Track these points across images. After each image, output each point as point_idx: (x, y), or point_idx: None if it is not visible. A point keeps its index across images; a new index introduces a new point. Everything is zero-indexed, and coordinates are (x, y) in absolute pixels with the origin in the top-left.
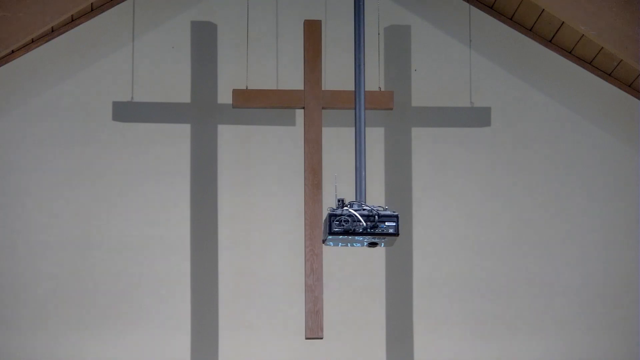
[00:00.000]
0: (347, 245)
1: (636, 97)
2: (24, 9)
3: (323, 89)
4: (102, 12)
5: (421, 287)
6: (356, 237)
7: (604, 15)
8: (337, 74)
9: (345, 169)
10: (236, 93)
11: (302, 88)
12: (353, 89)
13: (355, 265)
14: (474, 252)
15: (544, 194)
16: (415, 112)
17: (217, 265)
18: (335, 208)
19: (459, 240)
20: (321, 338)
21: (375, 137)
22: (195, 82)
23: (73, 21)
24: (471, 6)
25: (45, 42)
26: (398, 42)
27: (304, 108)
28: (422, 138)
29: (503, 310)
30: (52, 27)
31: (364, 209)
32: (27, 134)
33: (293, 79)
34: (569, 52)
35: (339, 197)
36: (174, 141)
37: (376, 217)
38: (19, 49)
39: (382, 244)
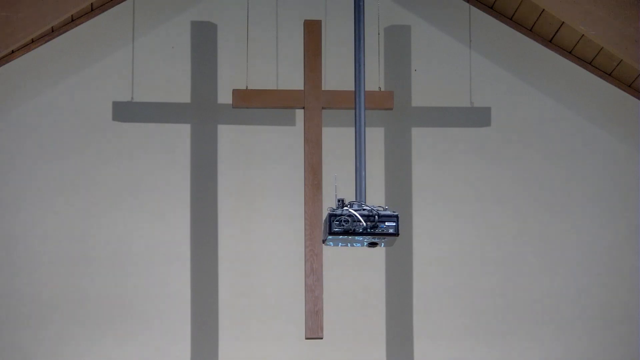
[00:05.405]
0: (347, 245)
1: (636, 97)
2: (24, 9)
3: (323, 89)
4: (102, 12)
5: (421, 287)
6: (356, 237)
7: (604, 15)
8: (337, 74)
9: (345, 169)
10: (236, 93)
11: (302, 88)
12: (353, 89)
13: (355, 265)
14: (474, 252)
15: (543, 194)
16: (415, 112)
17: (217, 265)
18: (335, 208)
19: (459, 240)
20: (321, 338)
21: (375, 137)
22: (195, 82)
23: (73, 21)
24: (471, 6)
25: (45, 42)
26: (398, 42)
27: (304, 108)
28: (422, 138)
29: (503, 310)
30: (52, 27)
31: (364, 209)
32: (26, 134)
33: (293, 79)
34: (569, 52)
35: (339, 197)
36: (174, 141)
37: (376, 217)
38: (19, 49)
39: (382, 244)
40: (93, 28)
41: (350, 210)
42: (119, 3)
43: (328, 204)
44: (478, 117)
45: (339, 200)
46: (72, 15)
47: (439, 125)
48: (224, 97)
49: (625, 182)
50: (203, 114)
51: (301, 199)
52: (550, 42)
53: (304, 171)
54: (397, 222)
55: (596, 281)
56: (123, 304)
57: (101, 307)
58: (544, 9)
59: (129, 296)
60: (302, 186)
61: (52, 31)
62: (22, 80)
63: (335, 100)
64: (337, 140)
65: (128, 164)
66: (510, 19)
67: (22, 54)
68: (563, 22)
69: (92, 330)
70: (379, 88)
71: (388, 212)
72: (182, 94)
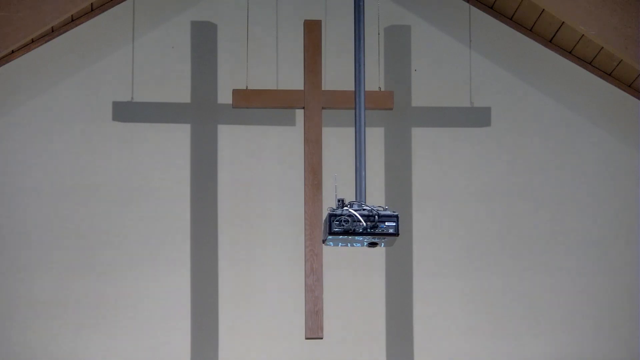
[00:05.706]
0: (347, 245)
1: (636, 97)
2: (24, 9)
3: (323, 89)
4: (102, 12)
5: (421, 286)
6: (356, 237)
7: (604, 15)
8: (337, 74)
9: (345, 169)
10: (236, 93)
11: (302, 88)
12: (353, 89)
13: (355, 265)
14: (474, 252)
15: (543, 194)
16: (415, 112)
17: (217, 265)
18: (335, 208)
19: (459, 240)
20: (321, 338)
21: (375, 137)
22: (195, 82)
23: (73, 21)
24: (471, 6)
25: (45, 42)
26: (398, 42)
27: (304, 108)
28: (422, 138)
29: (503, 310)
30: (52, 27)
31: (364, 209)
32: (27, 134)
33: (293, 79)
34: (569, 52)
35: (339, 197)
36: (174, 141)
37: (376, 217)
38: (19, 49)
39: (382, 244)
40: (93, 28)
41: (350, 210)
42: (119, 3)
43: (328, 204)
44: (478, 117)
45: (339, 200)
46: (72, 15)
47: (439, 125)
48: (224, 97)
49: (625, 182)
50: (203, 114)
51: (301, 199)
52: (550, 42)
53: (304, 171)
54: (397, 222)
55: (596, 281)
56: (123, 303)
57: (101, 307)
58: (544, 9)
59: (129, 296)
60: (302, 186)
61: (52, 31)
62: (22, 80)
63: (335, 100)
64: (337, 140)
65: (128, 164)
66: (510, 19)
67: (22, 54)
68: (563, 22)
69: (93, 330)
70: (379, 88)
71: (388, 212)
72: (182, 94)
